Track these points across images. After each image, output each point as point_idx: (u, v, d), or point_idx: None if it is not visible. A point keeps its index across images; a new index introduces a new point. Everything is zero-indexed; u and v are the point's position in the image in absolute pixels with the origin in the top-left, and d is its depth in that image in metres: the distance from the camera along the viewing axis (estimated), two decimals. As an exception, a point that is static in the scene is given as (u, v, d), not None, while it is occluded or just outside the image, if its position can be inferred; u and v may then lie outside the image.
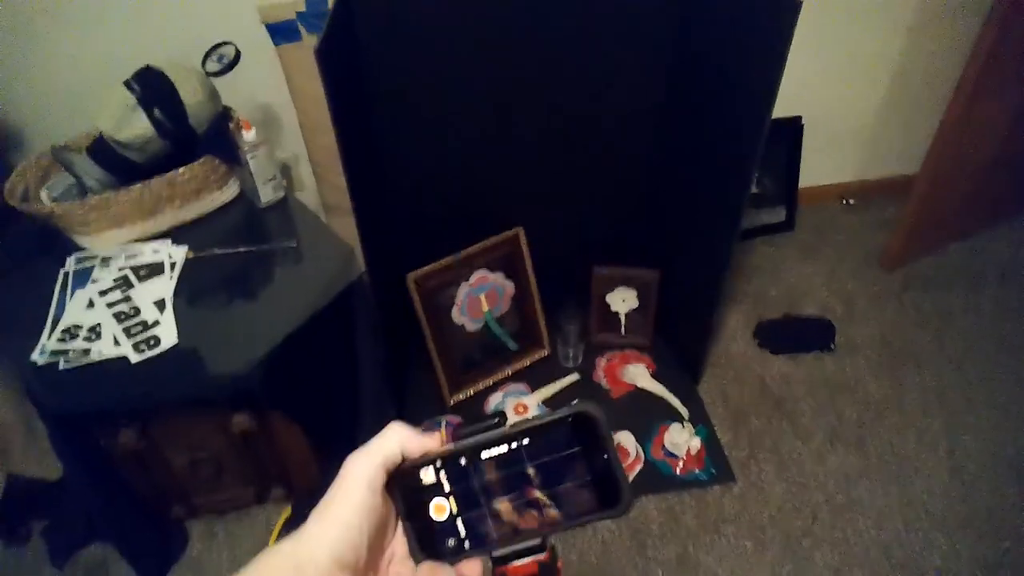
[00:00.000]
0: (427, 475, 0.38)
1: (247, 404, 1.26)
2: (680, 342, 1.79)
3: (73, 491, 1.27)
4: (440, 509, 0.38)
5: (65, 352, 1.14)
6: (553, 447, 0.38)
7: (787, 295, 1.98)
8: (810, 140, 2.10)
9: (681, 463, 1.53)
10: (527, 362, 1.77)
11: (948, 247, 2.08)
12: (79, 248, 1.34)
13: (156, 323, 1.20)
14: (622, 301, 1.78)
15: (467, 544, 0.38)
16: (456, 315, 1.63)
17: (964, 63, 1.65)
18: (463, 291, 1.62)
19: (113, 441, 1.25)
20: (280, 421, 1.33)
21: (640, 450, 1.57)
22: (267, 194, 1.44)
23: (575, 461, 0.38)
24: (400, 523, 0.39)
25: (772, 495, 1.49)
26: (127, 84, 1.26)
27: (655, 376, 1.73)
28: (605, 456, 0.37)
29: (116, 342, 1.16)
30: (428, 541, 0.38)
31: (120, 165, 1.32)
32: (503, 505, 0.38)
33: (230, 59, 1.37)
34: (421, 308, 1.56)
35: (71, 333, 1.18)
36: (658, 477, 1.52)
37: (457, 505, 0.38)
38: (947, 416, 1.62)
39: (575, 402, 0.38)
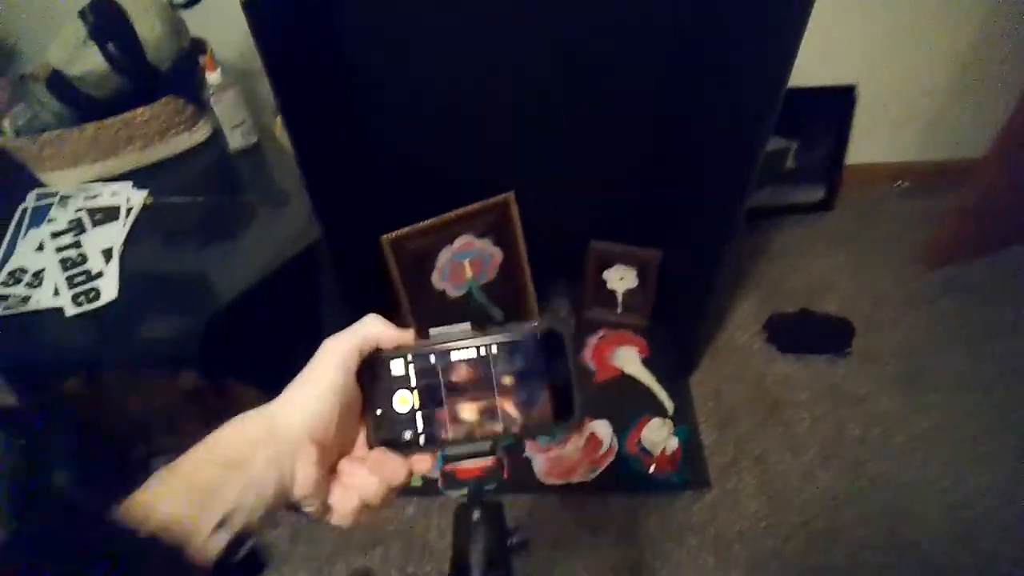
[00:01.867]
0: (397, 367, 0.41)
1: (193, 363, 1.23)
2: (677, 328, 1.66)
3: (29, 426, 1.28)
4: (403, 401, 0.41)
5: (5, 297, 1.11)
6: (519, 358, 0.41)
7: (809, 286, 1.80)
8: (864, 111, 1.85)
9: (654, 463, 1.44)
10: (512, 334, 1.68)
11: (1003, 250, 1.81)
12: (41, 184, 1.30)
13: (99, 274, 1.15)
14: (620, 279, 1.64)
15: (422, 439, 0.41)
16: (436, 279, 1.54)
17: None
18: (445, 255, 1.52)
19: (63, 386, 1.24)
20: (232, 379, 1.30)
21: (615, 441, 1.48)
22: (236, 140, 1.35)
23: (537, 373, 0.40)
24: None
25: (747, 509, 1.39)
26: (81, 14, 1.17)
27: (646, 362, 1.62)
28: (566, 373, 0.40)
29: (56, 291, 1.12)
30: (388, 430, 0.41)
31: (78, 100, 1.24)
32: (462, 406, 0.41)
33: (199, -12, 1.26)
34: (398, 272, 1.47)
35: (15, 277, 1.15)
36: (628, 474, 1.44)
37: (420, 400, 0.41)
38: (960, 447, 1.45)
39: (545, 317, 0.34)
